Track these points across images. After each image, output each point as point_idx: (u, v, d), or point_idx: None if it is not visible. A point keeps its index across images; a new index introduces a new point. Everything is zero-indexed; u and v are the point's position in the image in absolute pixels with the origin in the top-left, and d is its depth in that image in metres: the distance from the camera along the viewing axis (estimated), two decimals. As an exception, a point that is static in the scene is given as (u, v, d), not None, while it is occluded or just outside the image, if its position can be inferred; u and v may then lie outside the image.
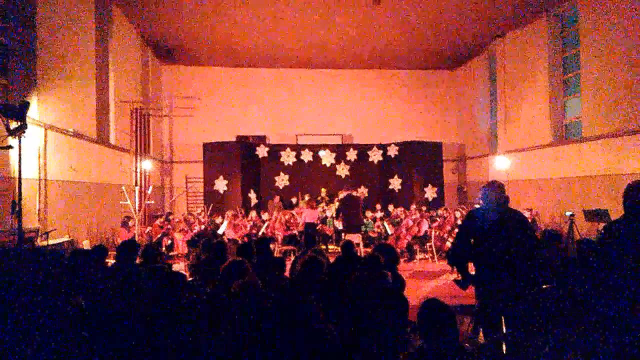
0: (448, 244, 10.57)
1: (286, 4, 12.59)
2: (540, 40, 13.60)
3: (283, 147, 16.40)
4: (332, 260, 5.57)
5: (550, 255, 4.78)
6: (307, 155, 16.18)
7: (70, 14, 9.99)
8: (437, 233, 11.36)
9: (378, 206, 14.34)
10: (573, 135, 12.79)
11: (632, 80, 10.02)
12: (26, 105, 6.31)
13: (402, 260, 10.66)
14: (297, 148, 16.45)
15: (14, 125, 6.10)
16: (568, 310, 2.97)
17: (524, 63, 14.41)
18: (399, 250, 10.63)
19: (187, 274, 6.56)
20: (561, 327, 2.75)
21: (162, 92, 17.86)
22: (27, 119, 6.34)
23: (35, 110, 8.20)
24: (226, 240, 9.41)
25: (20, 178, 6.32)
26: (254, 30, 14.52)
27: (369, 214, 13.32)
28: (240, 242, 10.15)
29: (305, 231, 10.88)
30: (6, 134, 6.13)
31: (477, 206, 5.01)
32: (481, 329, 4.22)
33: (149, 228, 11.56)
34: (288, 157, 16.10)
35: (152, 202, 14.11)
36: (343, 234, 11.46)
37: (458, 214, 12.18)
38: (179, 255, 10.93)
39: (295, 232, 11.91)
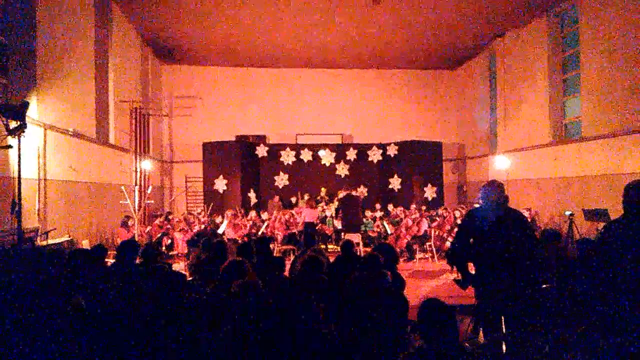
0: (448, 244, 10.56)
1: (286, 4, 12.59)
2: (540, 40, 13.60)
3: (283, 146, 16.40)
4: (331, 259, 5.58)
5: (550, 255, 4.78)
6: (306, 155, 16.18)
7: (70, 14, 9.98)
8: (437, 233, 11.37)
9: (378, 206, 14.34)
10: (573, 135, 12.79)
11: (631, 80, 10.02)
12: (26, 105, 6.31)
13: (401, 259, 10.67)
14: (297, 148, 16.45)
15: (13, 125, 6.10)
16: (568, 310, 2.98)
17: (524, 63, 14.41)
18: (398, 249, 10.63)
19: (187, 274, 6.55)
20: (561, 326, 2.75)
21: (162, 92, 17.86)
22: (27, 119, 6.34)
23: (34, 110, 8.20)
24: (226, 240, 9.41)
25: (19, 178, 6.33)
26: (254, 30, 14.52)
27: (368, 213, 13.32)
28: (240, 241, 10.15)
29: (305, 231, 10.89)
30: (6, 133, 6.13)
31: (477, 206, 5.01)
32: (481, 329, 4.22)
33: (148, 228, 11.56)
34: (288, 157, 16.10)
35: (152, 201, 14.11)
36: (343, 234, 11.46)
37: (458, 214, 12.18)
38: (179, 254, 10.93)
39: (295, 231, 11.91)
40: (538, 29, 13.69)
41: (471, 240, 4.25)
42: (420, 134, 18.13)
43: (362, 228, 12.12)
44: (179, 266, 9.68)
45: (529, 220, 10.40)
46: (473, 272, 4.28)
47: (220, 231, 10.89)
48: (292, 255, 10.80)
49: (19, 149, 6.22)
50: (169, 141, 18.13)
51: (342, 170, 16.30)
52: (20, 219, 6.32)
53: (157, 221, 12.03)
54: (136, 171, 13.60)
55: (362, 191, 15.81)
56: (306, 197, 14.05)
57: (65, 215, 9.38)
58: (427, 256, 11.38)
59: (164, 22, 13.94)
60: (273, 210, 13.34)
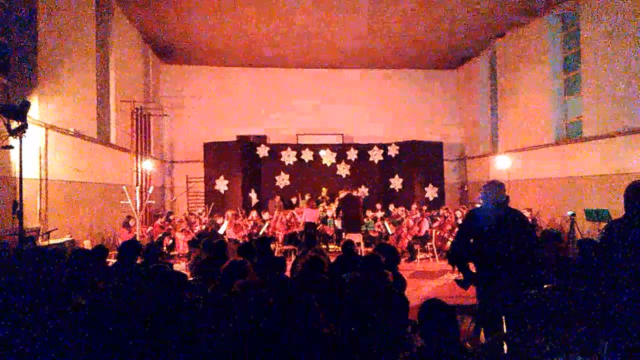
0: (449, 244, 10.56)
1: (287, 4, 12.59)
2: (541, 39, 13.59)
3: (284, 146, 16.41)
4: (332, 259, 5.58)
5: (550, 255, 4.78)
6: (307, 155, 16.18)
7: (71, 14, 9.99)
8: (438, 233, 11.37)
9: (379, 206, 14.34)
10: (574, 134, 12.77)
11: (633, 79, 10.00)
12: (27, 105, 6.31)
13: (402, 260, 10.68)
14: (298, 148, 16.45)
15: (14, 125, 6.10)
16: (569, 310, 2.97)
17: (525, 63, 14.40)
18: (399, 250, 10.64)
19: (188, 274, 6.56)
20: (561, 326, 2.75)
21: (163, 92, 17.85)
22: (28, 119, 6.35)
23: (35, 110, 8.20)
24: (227, 240, 9.42)
25: (21, 178, 6.33)
26: (254, 30, 14.51)
27: (369, 213, 13.32)
28: (241, 242, 10.16)
29: (306, 231, 10.89)
30: (7, 134, 6.13)
31: (478, 206, 5.01)
32: (482, 329, 4.22)
33: (149, 228, 11.58)
34: (289, 157, 16.11)
35: (153, 202, 14.12)
36: (344, 234, 11.46)
37: (459, 214, 12.18)
38: (180, 255, 10.95)
39: (295, 230, 11.91)
40: (539, 29, 13.68)
41: (472, 240, 4.25)
42: (421, 134, 18.11)
43: (363, 228, 12.12)
44: (180, 266, 9.69)
45: (530, 220, 10.40)
46: (474, 272, 4.28)
47: (221, 231, 10.91)
48: (293, 255, 10.80)
49: (20, 149, 6.23)
50: (170, 141, 18.13)
51: (343, 170, 16.31)
52: (21, 219, 6.33)
53: (158, 221, 12.04)
54: (137, 171, 13.61)
55: (363, 191, 15.81)
56: (307, 197, 14.07)
57: (66, 215, 9.38)
58: (428, 256, 11.39)
59: (165, 22, 13.95)
60: (274, 211, 13.34)
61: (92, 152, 10.91)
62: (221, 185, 15.25)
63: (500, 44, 15.67)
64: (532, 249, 4.05)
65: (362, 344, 3.03)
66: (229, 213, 11.98)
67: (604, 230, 3.37)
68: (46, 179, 8.59)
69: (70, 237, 8.72)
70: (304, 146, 16.48)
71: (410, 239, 11.29)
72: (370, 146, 16.56)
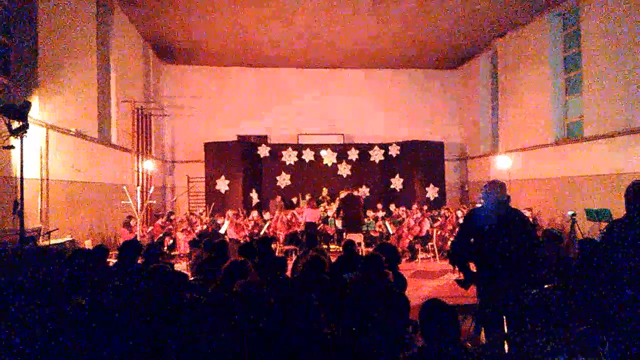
0: (450, 244, 10.57)
1: (288, 3, 12.59)
2: (541, 39, 13.58)
3: (284, 146, 16.42)
4: (333, 259, 5.58)
5: (551, 255, 4.77)
6: (308, 155, 16.19)
7: (71, 14, 10.00)
8: (439, 233, 11.37)
9: (379, 206, 14.34)
10: (575, 134, 12.76)
11: (634, 79, 9.99)
12: (28, 105, 6.32)
13: (403, 259, 10.69)
14: (299, 148, 16.46)
15: (15, 125, 6.11)
16: (570, 310, 2.97)
17: (526, 62, 14.39)
18: (400, 249, 10.64)
19: (189, 274, 6.56)
20: (562, 326, 2.75)
21: (164, 92, 17.86)
22: (29, 119, 6.35)
23: (36, 110, 8.21)
24: (228, 240, 9.42)
25: (22, 178, 6.34)
26: (255, 30, 14.52)
27: (370, 213, 13.32)
28: (242, 241, 10.16)
29: (307, 231, 10.89)
30: (8, 134, 6.14)
31: (479, 205, 5.01)
32: (483, 329, 4.22)
33: (150, 228, 11.58)
34: (289, 157, 16.11)
35: (154, 202, 14.13)
36: (345, 234, 11.46)
37: (460, 214, 12.17)
38: (181, 255, 10.94)
39: (297, 230, 11.90)
40: (540, 28, 13.67)
41: (472, 240, 4.25)
42: (422, 133, 18.13)
43: (364, 228, 12.12)
44: (181, 266, 9.70)
45: (531, 220, 10.39)
46: (475, 271, 4.28)
47: (222, 231, 10.91)
48: (294, 255, 10.79)
49: (21, 149, 6.23)
50: (171, 141, 18.14)
51: (344, 170, 16.31)
52: (22, 219, 6.33)
53: (159, 221, 12.04)
54: (138, 171, 13.62)
55: (364, 191, 15.81)
56: (308, 197, 14.06)
57: (67, 215, 9.39)
58: (429, 256, 11.38)
59: (165, 22, 13.95)
60: (275, 210, 13.35)
61: (92, 152, 10.92)
62: (222, 185, 15.26)
63: (500, 44, 15.66)
64: (533, 249, 4.04)
65: (362, 344, 3.03)
66: (229, 213, 11.98)
67: (604, 230, 3.37)
68: (47, 179, 8.60)
69: (71, 237, 8.72)
70: (305, 146, 16.48)
71: (411, 238, 11.29)
72: (371, 146, 16.57)
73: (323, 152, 16.30)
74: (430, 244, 11.34)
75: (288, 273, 5.64)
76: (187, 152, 17.80)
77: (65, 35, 9.64)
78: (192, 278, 5.49)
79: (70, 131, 9.66)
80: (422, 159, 16.21)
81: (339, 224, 12.67)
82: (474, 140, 18.46)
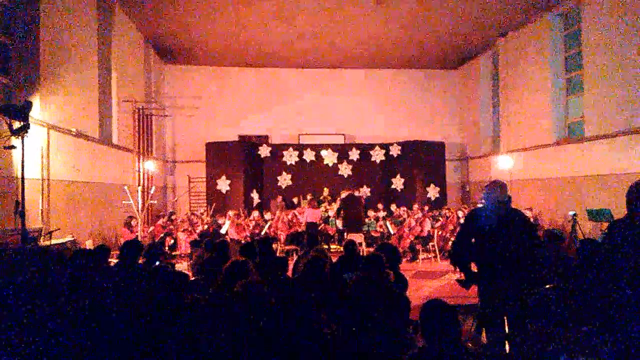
0: (451, 244, 10.56)
1: (288, 3, 12.59)
2: (543, 39, 13.57)
3: (285, 146, 16.43)
4: (334, 259, 5.58)
5: (552, 255, 4.77)
6: (309, 155, 16.19)
7: (72, 14, 10.01)
8: (440, 233, 11.37)
9: (380, 206, 14.33)
10: (576, 134, 12.75)
11: (635, 79, 9.98)
12: (29, 105, 6.32)
13: (404, 260, 10.69)
14: (300, 148, 16.46)
15: (16, 125, 6.11)
16: (570, 310, 2.97)
17: (527, 62, 14.38)
18: (401, 249, 10.64)
19: (190, 274, 6.56)
20: (563, 326, 2.75)
21: (165, 92, 17.87)
22: (30, 119, 6.35)
23: (37, 110, 8.22)
24: (229, 240, 9.42)
25: (23, 178, 6.35)
26: (256, 30, 14.52)
27: (371, 213, 13.31)
28: (243, 242, 10.16)
29: (307, 231, 10.90)
30: (9, 134, 6.14)
31: (480, 206, 5.02)
32: (484, 329, 4.21)
33: (151, 228, 11.58)
34: (290, 157, 16.12)
35: (155, 202, 14.13)
36: (345, 234, 11.46)
37: (460, 214, 12.17)
38: (182, 255, 10.95)
39: (298, 229, 11.90)
40: (541, 29, 13.66)
41: (473, 240, 4.25)
42: (423, 133, 18.12)
43: (365, 228, 12.13)
44: (182, 266, 9.70)
45: (532, 220, 10.39)
46: (476, 271, 4.28)
47: (223, 231, 10.92)
48: (294, 255, 10.80)
49: (22, 149, 6.24)
50: (172, 141, 18.15)
51: (345, 170, 16.31)
52: (23, 219, 6.34)
53: (160, 221, 12.05)
54: (139, 171, 13.62)
55: (364, 191, 15.81)
56: (309, 197, 14.06)
57: (68, 215, 9.40)
58: (430, 256, 11.38)
59: (166, 22, 13.96)
60: (276, 211, 13.35)
61: (93, 152, 10.93)
62: (223, 185, 15.27)
63: (501, 44, 15.65)
64: (534, 249, 4.04)
65: (363, 344, 3.03)
66: (230, 213, 11.99)
67: (605, 231, 3.37)
68: (48, 179, 8.61)
69: (72, 237, 8.73)
70: (306, 146, 16.49)
71: (412, 239, 11.29)
72: (372, 146, 16.56)
73: (324, 152, 16.30)
74: (431, 244, 11.34)
75: (289, 273, 5.64)
76: (188, 152, 17.81)
77: (66, 35, 9.65)
78: (193, 278, 5.49)
79: (71, 131, 9.67)
80: (423, 159, 16.20)
81: (339, 224, 12.68)
82: (475, 140, 18.45)
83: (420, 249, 11.27)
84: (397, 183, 16.18)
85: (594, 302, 3.03)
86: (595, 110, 11.35)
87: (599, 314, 2.90)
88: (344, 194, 12.65)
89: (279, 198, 14.99)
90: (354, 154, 16.33)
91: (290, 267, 6.44)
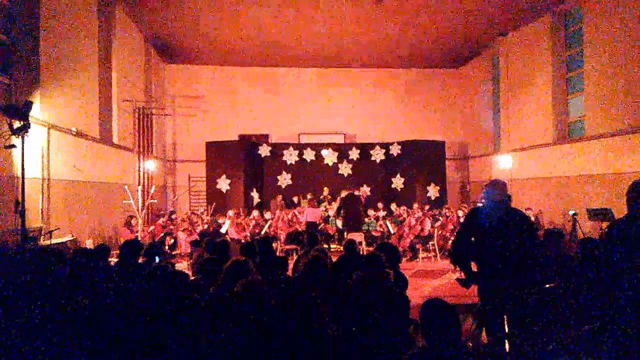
0: (451, 243, 10.56)
1: (288, 3, 12.59)
2: (543, 38, 13.57)
3: (285, 146, 16.42)
4: (334, 259, 5.58)
5: (552, 254, 4.76)
6: (309, 154, 16.19)
7: (73, 14, 10.00)
8: (440, 232, 11.37)
9: (380, 205, 14.32)
10: (576, 133, 12.75)
11: (635, 78, 9.98)
12: (29, 105, 6.33)
13: (404, 259, 10.69)
14: (300, 147, 16.46)
15: (17, 124, 6.12)
16: (571, 309, 2.97)
17: (527, 61, 14.38)
18: (401, 249, 10.64)
19: (190, 273, 6.56)
20: (563, 325, 2.75)
21: (165, 91, 17.88)
22: (30, 119, 6.36)
23: (38, 110, 8.23)
24: (229, 240, 9.41)
25: (23, 177, 6.35)
26: (257, 30, 14.52)
27: (371, 212, 13.31)
28: (243, 241, 10.16)
29: (307, 230, 10.89)
30: (10, 133, 6.14)
31: (480, 205, 5.02)
32: (484, 328, 4.21)
33: (151, 227, 11.58)
34: (290, 156, 16.11)
35: (155, 201, 14.14)
36: (346, 233, 11.46)
37: (461, 213, 12.17)
38: (182, 254, 10.95)
39: (298, 228, 11.90)
40: (541, 28, 13.65)
41: (472, 239, 4.25)
42: (423, 133, 18.11)
43: (365, 227, 12.13)
44: (182, 266, 9.70)
45: (533, 219, 10.39)
46: (476, 271, 4.28)
47: (223, 231, 10.91)
48: (295, 254, 10.79)
49: (23, 148, 6.24)
50: (172, 140, 18.16)
51: (345, 169, 16.30)
52: (23, 218, 6.34)
53: (160, 221, 12.05)
54: (139, 171, 13.63)
55: (364, 190, 15.79)
56: (309, 196, 14.06)
57: (68, 214, 9.40)
58: (430, 256, 11.38)
59: (166, 22, 13.96)
60: (276, 210, 13.35)
61: (94, 151, 10.93)
62: (223, 184, 15.27)
63: (502, 43, 15.64)
64: (534, 248, 4.04)
65: (363, 343, 3.03)
66: (230, 212, 11.98)
67: (606, 229, 3.37)
68: (48, 179, 8.61)
69: (72, 236, 8.74)
70: (306, 145, 16.48)
71: (412, 238, 11.28)
72: (372, 145, 16.55)
73: (324, 152, 16.29)
74: (431, 243, 11.34)
75: (289, 273, 5.64)
76: (188, 151, 17.83)
77: (66, 34, 9.65)
78: (193, 278, 5.49)
79: (72, 131, 9.67)
80: (423, 159, 16.19)
81: (339, 223, 12.67)
82: (475, 139, 18.45)
83: (420, 248, 11.27)
84: (397, 182, 16.17)
85: (594, 301, 3.03)
86: (595, 110, 11.35)
87: (599, 313, 2.90)
88: (344, 194, 12.65)
89: (279, 197, 14.99)
90: (354, 154, 16.32)
91: (291, 266, 6.44)
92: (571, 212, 10.25)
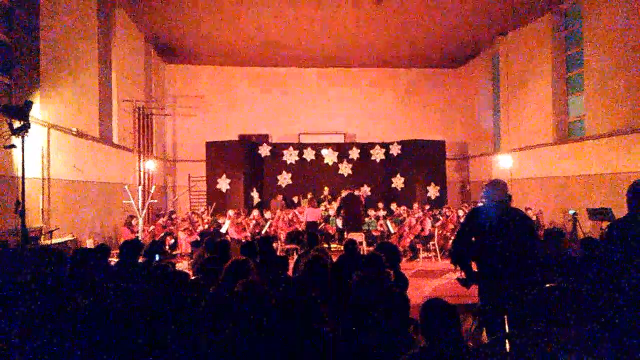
0: (451, 243, 10.55)
1: (288, 3, 12.58)
2: (543, 38, 13.56)
3: (285, 145, 16.43)
4: (334, 258, 5.57)
5: (553, 254, 4.76)
6: (309, 154, 16.19)
7: (73, 14, 10.01)
8: (440, 232, 11.36)
9: (380, 205, 14.32)
10: (576, 133, 12.75)
11: (635, 78, 9.98)
12: (29, 105, 6.32)
13: (405, 259, 10.69)
14: (300, 147, 16.47)
15: (17, 124, 6.11)
16: (571, 309, 2.97)
17: (527, 61, 14.38)
18: (401, 249, 10.63)
19: (190, 273, 6.56)
20: (565, 326, 2.74)
21: (165, 91, 17.88)
22: (30, 119, 6.35)
23: (38, 110, 8.23)
24: (229, 240, 9.41)
25: (23, 177, 6.34)
26: (257, 29, 14.52)
27: (371, 212, 13.31)
28: (243, 241, 10.15)
29: (308, 230, 10.89)
30: (10, 133, 6.14)
31: (480, 205, 5.02)
32: (484, 328, 4.21)
33: (152, 227, 11.58)
34: (290, 156, 16.12)
35: (155, 201, 14.13)
36: (346, 233, 11.46)
37: (461, 213, 12.17)
38: (182, 254, 10.95)
39: (298, 228, 11.90)
40: (541, 28, 13.65)
41: (473, 239, 4.25)
42: (423, 133, 18.10)
43: (365, 227, 12.13)
44: (182, 265, 9.70)
45: (534, 219, 10.38)
46: (476, 270, 4.27)
47: (223, 230, 10.91)
48: (295, 254, 10.79)
49: (23, 148, 6.23)
50: (172, 140, 18.16)
51: (345, 169, 16.31)
52: (24, 218, 6.34)
53: (160, 220, 12.04)
54: (139, 170, 13.62)
55: (365, 190, 15.79)
56: (309, 196, 14.06)
57: (68, 214, 9.40)
58: (430, 255, 11.38)
59: (166, 22, 13.97)
60: (276, 210, 13.35)
61: (94, 151, 10.93)
62: (223, 184, 15.27)
63: (502, 43, 15.64)
64: (534, 248, 4.04)
65: (363, 343, 3.03)
66: (230, 212, 11.98)
67: (606, 229, 3.37)
68: (48, 179, 8.61)
69: (73, 236, 8.74)
70: (306, 145, 16.49)
71: (413, 238, 11.28)
72: (372, 145, 16.56)
73: (324, 151, 16.30)
74: (431, 243, 11.34)
75: (289, 272, 5.64)
76: (189, 151, 17.83)
77: (66, 34, 9.64)
78: (193, 277, 5.49)
79: (72, 130, 9.67)
80: (423, 158, 16.20)
81: (340, 223, 12.67)
82: (475, 139, 18.45)
83: (421, 248, 11.26)
84: (398, 182, 16.18)
85: (595, 301, 3.02)
86: (595, 109, 11.35)
87: (599, 313, 2.90)
88: (344, 193, 12.65)
89: (279, 197, 14.99)
90: (354, 153, 16.33)
91: (291, 266, 6.43)
92: (571, 212, 10.25)
